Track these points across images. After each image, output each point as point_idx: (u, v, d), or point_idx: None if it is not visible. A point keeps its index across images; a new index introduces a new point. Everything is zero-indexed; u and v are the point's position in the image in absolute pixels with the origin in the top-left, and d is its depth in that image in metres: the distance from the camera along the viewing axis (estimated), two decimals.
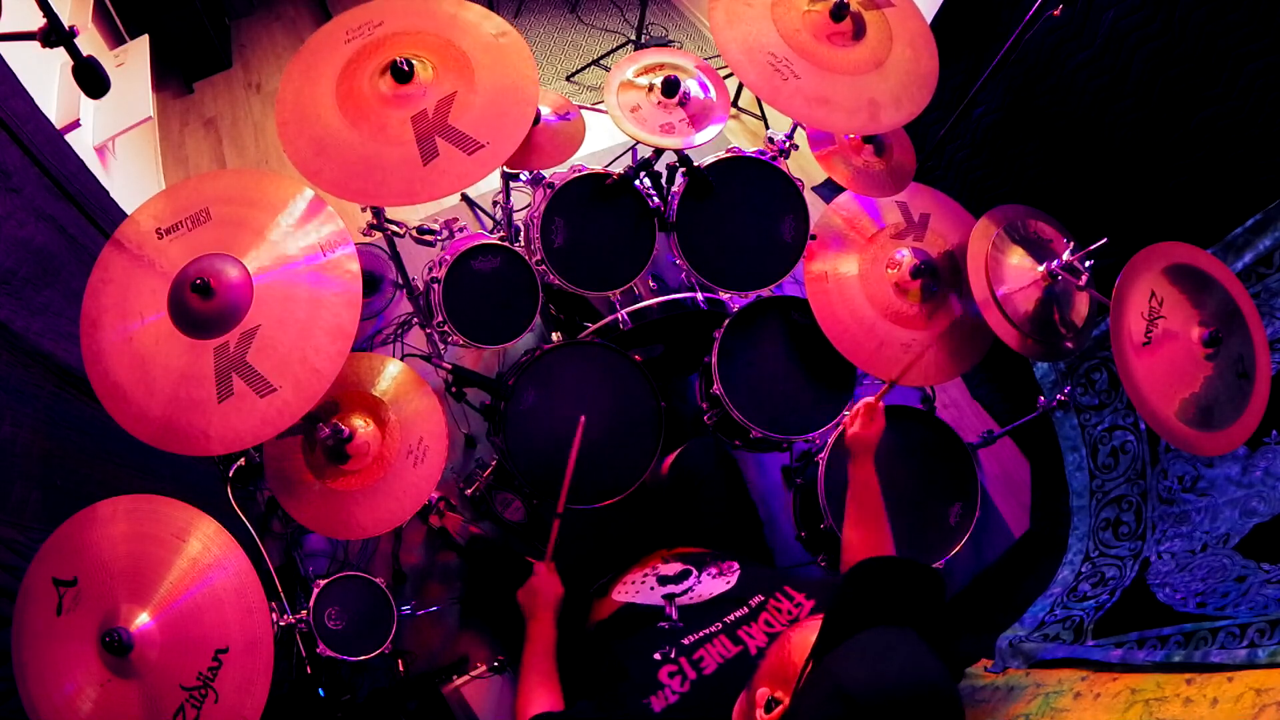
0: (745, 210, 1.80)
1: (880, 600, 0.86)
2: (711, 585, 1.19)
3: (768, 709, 0.84)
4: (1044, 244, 1.64)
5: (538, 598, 1.31)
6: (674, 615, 1.13)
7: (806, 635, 0.86)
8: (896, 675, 0.75)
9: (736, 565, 1.25)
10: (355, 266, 1.22)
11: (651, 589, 1.23)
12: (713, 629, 1.09)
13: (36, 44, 1.07)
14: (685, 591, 1.19)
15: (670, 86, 1.72)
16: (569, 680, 1.17)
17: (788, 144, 1.84)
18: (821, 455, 1.74)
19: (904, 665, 0.76)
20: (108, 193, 1.86)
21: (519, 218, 2.09)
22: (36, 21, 1.06)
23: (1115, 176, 1.95)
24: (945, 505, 1.72)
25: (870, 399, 1.41)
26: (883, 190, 1.79)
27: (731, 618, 1.11)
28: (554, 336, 1.96)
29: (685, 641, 1.07)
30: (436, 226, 1.88)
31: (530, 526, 2.02)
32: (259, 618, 1.08)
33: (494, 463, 1.96)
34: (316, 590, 1.47)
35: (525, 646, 1.26)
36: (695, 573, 1.24)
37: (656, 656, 1.05)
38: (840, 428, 1.73)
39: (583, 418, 1.39)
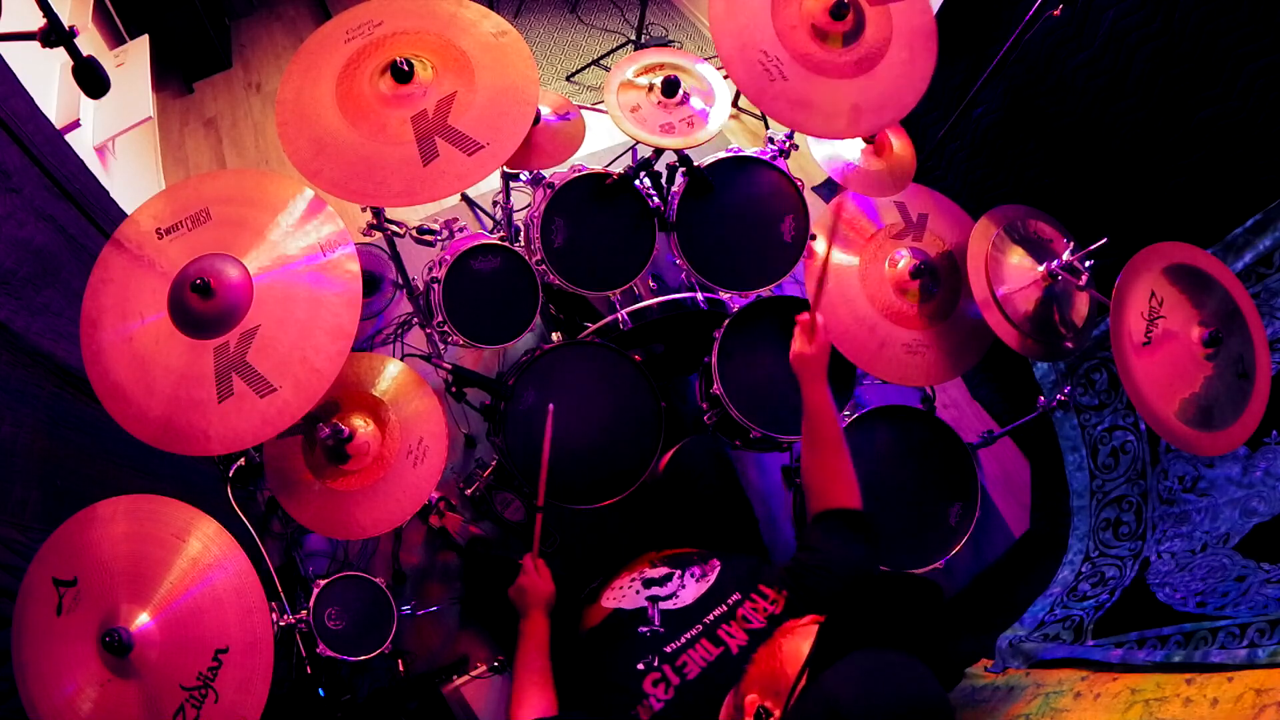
0: (745, 210, 1.80)
1: (877, 617, 0.86)
2: (694, 589, 1.19)
3: (757, 718, 0.84)
4: (1044, 244, 1.64)
5: (527, 596, 1.32)
6: (656, 620, 1.13)
7: (798, 644, 0.86)
8: (893, 698, 0.76)
9: (718, 563, 1.25)
10: (355, 266, 1.22)
11: (637, 593, 1.23)
12: (693, 632, 1.10)
13: (36, 44, 1.07)
14: (670, 596, 1.19)
15: (670, 86, 1.72)
16: (561, 691, 1.16)
17: (788, 144, 1.84)
18: None
19: (900, 688, 0.77)
20: (108, 193, 1.86)
21: (519, 218, 2.09)
22: (36, 21, 1.06)
23: (1115, 176, 1.95)
24: (945, 505, 1.73)
25: (805, 315, 1.35)
26: (883, 190, 1.79)
27: (711, 617, 1.11)
28: (554, 336, 1.96)
29: (667, 649, 1.07)
30: (436, 226, 1.88)
31: (530, 526, 2.01)
32: (259, 618, 1.08)
33: (494, 463, 1.96)
34: (316, 590, 1.47)
35: (519, 644, 1.26)
36: (679, 574, 1.24)
37: (640, 666, 1.05)
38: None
39: (551, 406, 1.44)
